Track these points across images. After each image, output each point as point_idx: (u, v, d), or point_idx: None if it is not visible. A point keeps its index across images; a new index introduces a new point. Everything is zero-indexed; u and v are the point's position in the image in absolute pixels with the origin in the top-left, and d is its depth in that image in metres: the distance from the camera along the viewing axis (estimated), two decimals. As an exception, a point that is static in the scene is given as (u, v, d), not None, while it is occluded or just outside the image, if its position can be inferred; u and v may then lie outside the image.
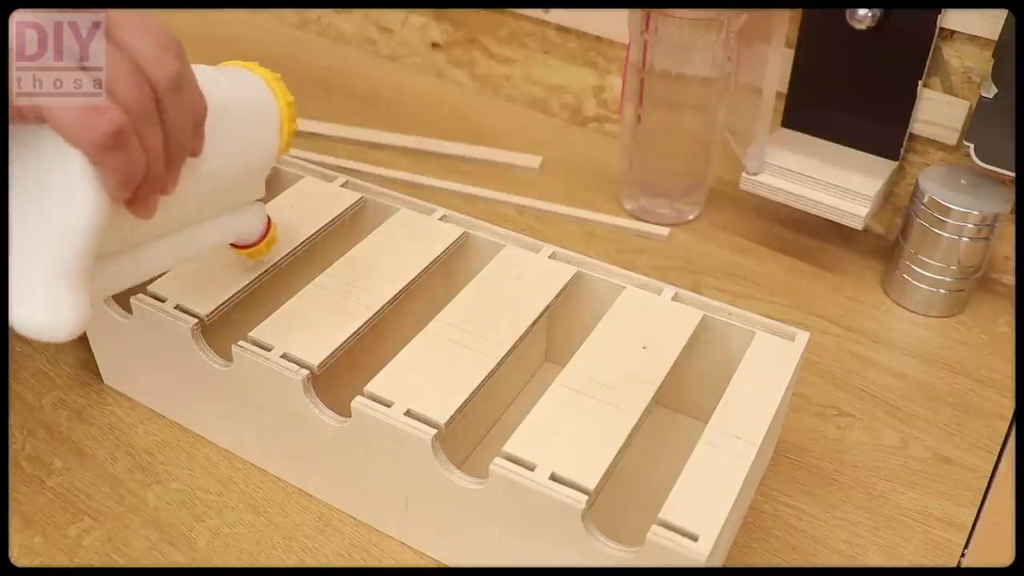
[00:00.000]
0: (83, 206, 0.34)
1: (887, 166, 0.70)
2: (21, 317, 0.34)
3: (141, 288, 0.51)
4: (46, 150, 0.34)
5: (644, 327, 0.51)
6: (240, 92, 0.45)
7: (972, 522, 0.53)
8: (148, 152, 0.35)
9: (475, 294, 0.52)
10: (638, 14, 0.67)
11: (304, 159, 0.67)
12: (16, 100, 0.32)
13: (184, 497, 0.52)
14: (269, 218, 0.51)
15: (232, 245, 0.51)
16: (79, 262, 0.35)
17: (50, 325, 0.35)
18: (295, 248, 0.55)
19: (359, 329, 0.50)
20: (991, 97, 0.61)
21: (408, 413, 0.45)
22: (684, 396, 0.56)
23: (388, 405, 0.45)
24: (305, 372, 0.47)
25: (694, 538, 0.39)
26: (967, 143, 0.63)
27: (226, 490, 0.53)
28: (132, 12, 0.35)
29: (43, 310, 0.34)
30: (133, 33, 0.35)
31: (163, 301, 0.51)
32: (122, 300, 0.53)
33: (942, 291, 0.66)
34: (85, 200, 0.34)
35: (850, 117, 0.70)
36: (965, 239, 0.63)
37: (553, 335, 0.59)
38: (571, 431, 0.44)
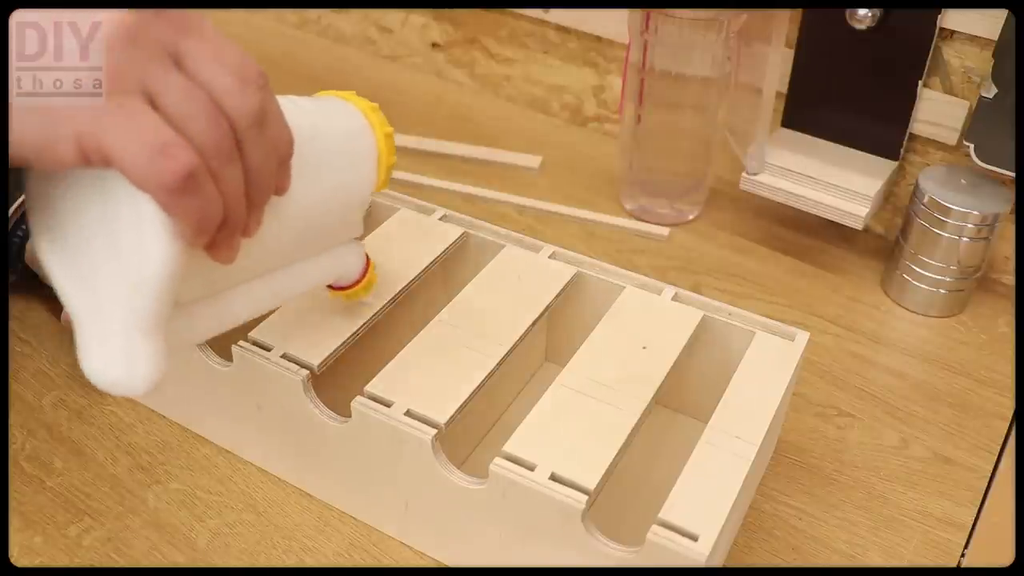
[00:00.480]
0: (156, 254, 0.32)
1: (887, 166, 0.70)
2: (95, 369, 0.33)
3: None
4: (116, 193, 0.32)
5: (644, 327, 0.51)
6: (333, 124, 0.42)
7: (972, 522, 0.53)
8: (226, 193, 0.32)
9: (475, 294, 0.52)
10: (638, 14, 0.67)
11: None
12: (81, 140, 0.29)
13: (184, 497, 0.52)
14: (368, 257, 0.48)
15: (328, 287, 0.48)
16: (154, 312, 0.33)
17: (125, 378, 0.33)
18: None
19: (359, 329, 0.50)
20: (991, 97, 0.61)
21: (408, 413, 0.45)
22: (684, 396, 0.56)
23: (388, 405, 0.45)
24: (305, 372, 0.47)
25: (694, 538, 0.39)
26: (967, 143, 0.63)
27: (226, 490, 0.53)
28: (208, 40, 0.32)
29: (118, 363, 0.32)
30: (209, 64, 0.32)
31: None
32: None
33: (942, 291, 0.66)
34: (158, 247, 0.32)
35: (850, 117, 0.70)
36: (965, 239, 0.63)
37: (553, 335, 0.59)
38: (571, 431, 0.44)
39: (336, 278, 0.47)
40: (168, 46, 0.31)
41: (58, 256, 0.34)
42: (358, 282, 0.48)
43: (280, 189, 0.36)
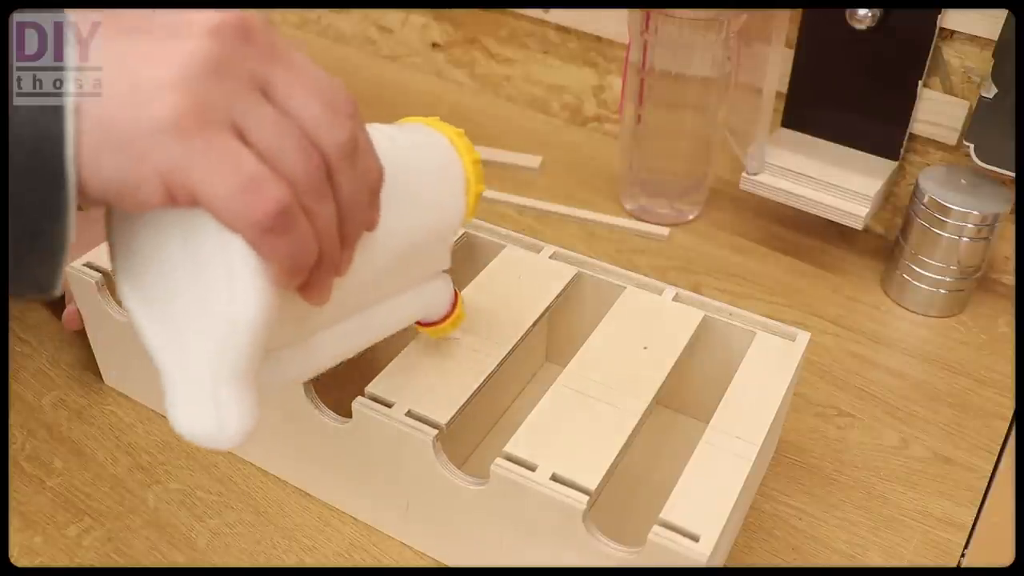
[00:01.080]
0: (247, 299, 0.30)
1: (887, 166, 0.70)
2: (183, 423, 0.30)
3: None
4: (204, 233, 0.29)
5: (645, 327, 0.51)
6: (420, 152, 0.40)
7: (972, 522, 0.53)
8: (320, 230, 0.30)
9: (476, 294, 0.52)
10: (638, 14, 0.67)
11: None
12: (166, 178, 0.27)
13: (184, 497, 0.52)
14: (456, 291, 0.46)
15: (416, 323, 0.46)
16: (244, 362, 0.30)
17: (214, 432, 0.30)
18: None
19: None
20: (991, 97, 0.61)
21: (409, 414, 0.45)
22: (685, 396, 0.56)
23: (389, 406, 0.45)
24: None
25: (695, 538, 0.39)
26: (967, 143, 0.63)
27: (226, 490, 0.53)
28: (297, 68, 0.30)
29: (207, 417, 0.30)
30: (299, 94, 0.30)
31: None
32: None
33: (942, 291, 0.66)
34: (249, 292, 0.30)
35: (850, 117, 0.70)
36: (965, 239, 0.63)
37: (554, 335, 0.59)
38: (572, 431, 0.44)
39: (425, 314, 0.45)
40: (256, 76, 0.29)
41: (141, 301, 0.31)
42: (446, 317, 0.46)
43: (371, 224, 0.34)
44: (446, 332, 0.47)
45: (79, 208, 0.27)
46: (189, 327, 0.31)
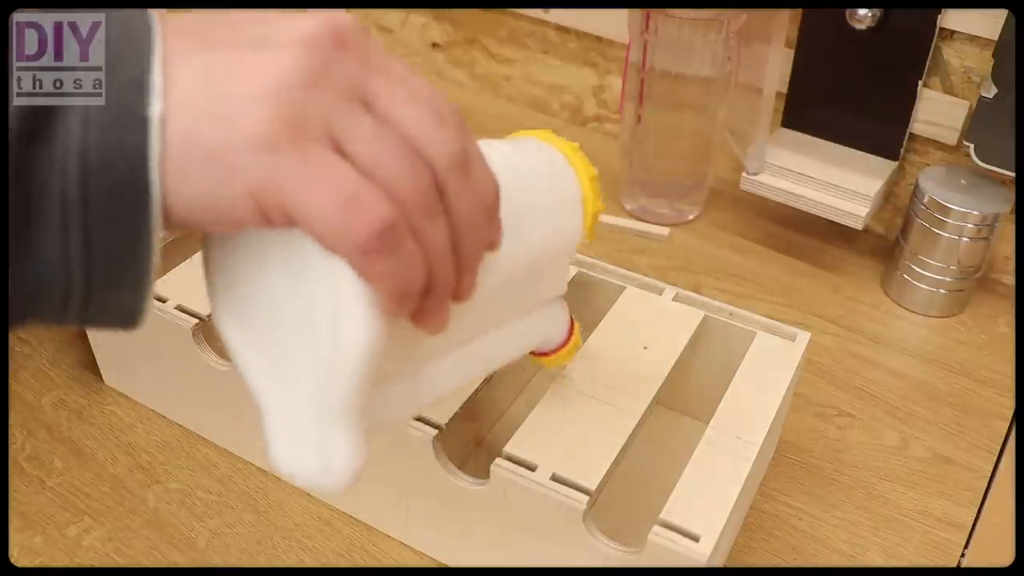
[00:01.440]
0: (353, 328, 0.27)
1: (887, 166, 0.70)
2: (285, 464, 0.28)
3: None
4: (305, 257, 0.27)
5: (645, 327, 0.51)
6: (535, 168, 0.37)
7: (972, 522, 0.53)
8: (430, 251, 0.27)
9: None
10: (638, 14, 0.67)
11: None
12: (260, 197, 0.25)
13: (184, 497, 0.52)
14: (572, 317, 0.43)
15: (531, 353, 0.43)
16: (351, 398, 0.28)
17: (319, 472, 0.28)
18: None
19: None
20: (991, 97, 0.61)
21: (409, 413, 0.45)
22: (685, 396, 0.56)
23: (389, 405, 0.45)
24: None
25: (695, 539, 0.39)
26: (967, 143, 0.63)
27: (226, 490, 0.53)
28: (397, 77, 0.28)
29: (311, 457, 0.28)
30: (401, 102, 0.27)
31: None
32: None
33: (942, 291, 0.66)
34: (356, 320, 0.27)
35: (850, 117, 0.70)
36: (965, 239, 0.63)
37: (553, 335, 0.59)
38: (572, 432, 0.44)
39: (541, 343, 0.42)
40: (354, 86, 0.27)
41: (239, 328, 0.29)
42: (562, 345, 0.43)
43: (492, 244, 0.31)
44: (562, 362, 0.44)
45: (165, 231, 0.26)
46: (292, 358, 0.28)
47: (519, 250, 0.35)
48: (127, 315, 0.26)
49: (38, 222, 0.24)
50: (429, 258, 0.27)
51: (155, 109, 0.24)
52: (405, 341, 0.30)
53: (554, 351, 0.43)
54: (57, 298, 0.25)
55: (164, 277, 0.52)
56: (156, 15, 0.26)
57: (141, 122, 0.24)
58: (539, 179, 0.37)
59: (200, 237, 0.30)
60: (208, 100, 0.25)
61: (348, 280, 0.26)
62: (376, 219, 0.25)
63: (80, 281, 0.25)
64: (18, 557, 0.48)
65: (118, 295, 0.26)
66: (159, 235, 0.25)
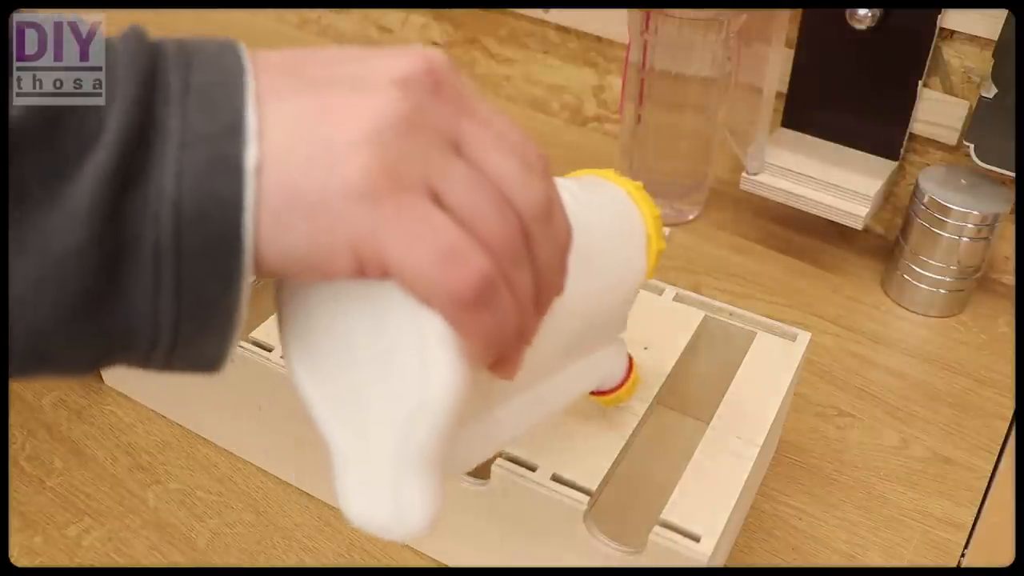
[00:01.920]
0: (441, 379, 0.26)
1: (887, 166, 0.70)
2: (359, 513, 0.27)
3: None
4: (391, 306, 0.26)
5: (645, 327, 0.51)
6: (603, 208, 0.37)
7: (972, 522, 0.53)
8: (518, 300, 0.27)
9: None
10: (638, 14, 0.67)
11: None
12: (358, 248, 0.24)
13: (184, 497, 0.52)
14: (630, 355, 0.43)
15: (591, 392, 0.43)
16: (432, 448, 0.27)
17: (391, 523, 0.27)
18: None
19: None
20: (991, 97, 0.61)
21: (409, 413, 0.45)
22: (686, 396, 0.56)
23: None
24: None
25: (696, 539, 0.39)
26: (967, 143, 0.63)
27: (226, 490, 0.53)
28: (487, 121, 0.28)
29: (384, 505, 0.27)
30: (492, 148, 0.27)
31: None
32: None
33: (942, 291, 0.66)
34: (444, 373, 0.26)
35: (850, 117, 0.70)
36: (965, 239, 0.63)
37: (553, 335, 0.59)
38: (572, 432, 0.44)
39: (601, 382, 0.42)
40: (448, 131, 0.26)
41: (312, 374, 0.28)
42: (621, 384, 0.43)
43: (560, 288, 0.30)
44: (621, 400, 0.43)
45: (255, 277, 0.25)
46: (370, 406, 0.27)
47: (586, 291, 0.34)
48: (210, 361, 0.26)
49: (129, 271, 0.23)
50: (518, 307, 0.27)
51: (251, 157, 0.23)
52: (480, 388, 0.29)
53: (613, 390, 0.43)
54: (143, 346, 0.24)
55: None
56: (247, 51, 0.25)
57: (237, 171, 0.23)
58: (607, 220, 0.37)
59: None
60: (305, 146, 0.24)
61: (437, 328, 0.26)
62: (475, 273, 0.25)
63: (168, 331, 0.24)
64: (18, 557, 0.48)
65: (204, 343, 0.25)
66: (250, 284, 0.24)
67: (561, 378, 0.38)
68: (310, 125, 0.24)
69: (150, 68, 0.24)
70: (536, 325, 0.29)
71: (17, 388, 0.58)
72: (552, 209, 0.28)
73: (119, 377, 0.58)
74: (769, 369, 0.49)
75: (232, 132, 0.23)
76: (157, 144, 0.23)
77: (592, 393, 0.43)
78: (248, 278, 0.24)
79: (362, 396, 0.27)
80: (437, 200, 0.25)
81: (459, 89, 0.27)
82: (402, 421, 0.27)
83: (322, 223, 0.24)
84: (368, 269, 0.25)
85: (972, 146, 0.63)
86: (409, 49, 0.27)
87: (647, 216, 0.39)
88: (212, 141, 0.23)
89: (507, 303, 0.26)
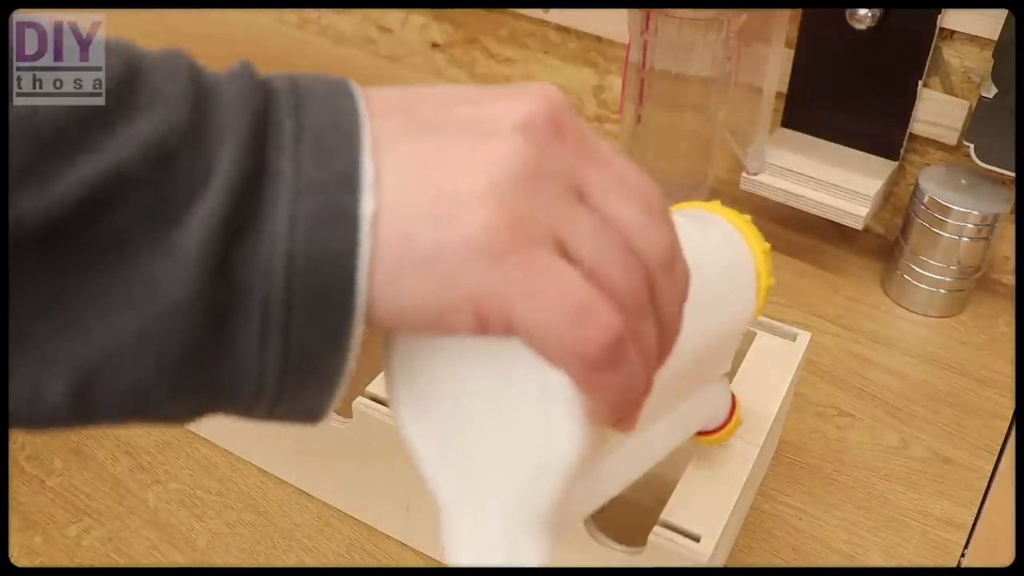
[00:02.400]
0: (566, 442, 0.25)
1: (887, 166, 0.70)
2: (468, 561, 0.26)
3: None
4: (511, 363, 0.25)
5: (645, 327, 0.51)
6: (715, 247, 0.36)
7: (972, 522, 0.53)
8: (644, 355, 0.25)
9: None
10: (638, 14, 0.67)
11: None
12: (480, 305, 0.23)
13: (184, 497, 0.52)
14: (733, 394, 0.42)
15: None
16: (550, 508, 0.26)
17: None
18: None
19: None
20: (991, 97, 0.61)
21: (409, 413, 0.45)
22: (684, 396, 0.56)
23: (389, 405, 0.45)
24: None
25: (696, 539, 0.39)
26: (967, 143, 0.63)
27: (226, 490, 0.53)
28: (609, 165, 0.26)
29: (497, 558, 0.26)
30: (615, 195, 0.25)
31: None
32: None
33: (942, 291, 0.66)
34: (569, 434, 0.25)
35: (850, 117, 0.70)
36: (965, 239, 0.63)
37: (553, 335, 0.59)
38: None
39: (705, 423, 0.41)
40: (571, 177, 0.24)
41: (424, 430, 0.28)
42: (724, 424, 0.41)
43: (677, 334, 0.28)
44: (723, 440, 0.42)
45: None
46: (485, 464, 0.26)
47: (699, 333, 0.33)
48: (313, 413, 0.25)
49: (237, 325, 0.22)
50: (643, 362, 0.25)
51: (367, 207, 0.22)
52: (599, 443, 0.28)
53: (716, 430, 0.42)
54: (246, 399, 0.23)
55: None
56: (359, 90, 0.24)
57: (352, 222, 0.22)
58: (719, 258, 0.36)
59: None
60: (424, 197, 0.22)
61: (564, 388, 0.25)
62: (606, 332, 0.23)
63: (273, 386, 0.23)
64: (18, 557, 0.48)
65: (308, 396, 0.24)
66: (359, 340, 0.23)
67: (668, 422, 0.36)
68: (428, 174, 0.23)
69: (262, 109, 0.23)
70: (655, 376, 0.27)
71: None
72: (675, 255, 0.26)
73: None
74: (769, 369, 0.49)
75: (347, 181, 0.22)
76: (269, 191, 0.22)
77: (698, 434, 0.41)
78: (359, 335, 0.23)
79: (476, 453, 0.27)
80: (564, 252, 0.23)
81: (581, 132, 0.25)
82: (522, 481, 0.26)
83: (441, 279, 0.22)
84: (491, 327, 0.23)
85: (972, 146, 0.63)
86: (528, 89, 0.25)
87: (757, 252, 0.37)
88: (326, 190, 0.22)
89: (636, 361, 0.25)
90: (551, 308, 0.23)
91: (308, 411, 0.24)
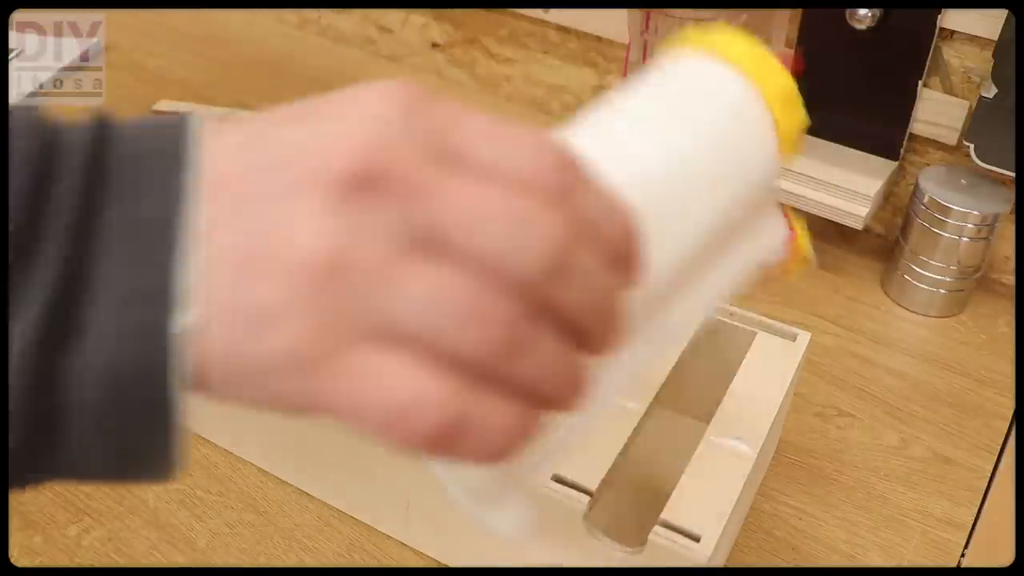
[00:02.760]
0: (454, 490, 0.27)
1: (887, 166, 0.70)
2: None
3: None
4: None
5: (645, 327, 0.51)
6: (698, 119, 0.29)
7: (972, 522, 0.53)
8: (540, 371, 0.22)
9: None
10: (638, 14, 0.67)
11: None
12: (305, 411, 0.23)
13: (184, 497, 0.52)
14: (790, 220, 0.35)
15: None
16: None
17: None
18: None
19: None
20: (991, 97, 0.61)
21: (409, 413, 0.45)
22: (686, 396, 0.56)
23: (389, 405, 0.45)
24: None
25: (696, 539, 0.39)
26: (967, 143, 0.63)
27: (226, 490, 0.53)
28: (477, 156, 0.23)
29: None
30: (477, 216, 0.21)
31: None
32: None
33: (942, 291, 0.66)
34: (451, 484, 0.27)
35: (850, 117, 0.70)
36: (965, 239, 0.63)
37: (553, 335, 0.59)
38: (572, 431, 0.44)
39: (761, 262, 0.34)
40: (404, 232, 0.21)
41: None
42: (789, 253, 0.35)
43: (632, 280, 0.25)
44: (792, 272, 0.36)
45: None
46: None
47: (702, 224, 0.29)
48: (158, 477, 0.24)
49: (56, 437, 0.22)
50: (539, 378, 0.23)
51: (182, 322, 0.21)
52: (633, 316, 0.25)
53: (782, 263, 0.35)
54: (90, 479, 0.24)
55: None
56: (196, 159, 0.22)
57: (165, 339, 0.21)
58: (706, 133, 0.29)
59: None
60: (236, 306, 0.21)
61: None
62: (432, 423, 0.21)
63: (112, 475, 0.24)
64: (18, 557, 0.48)
65: (147, 472, 0.24)
66: (185, 428, 0.23)
67: (713, 274, 0.32)
68: (241, 280, 0.21)
69: (86, 205, 0.21)
70: (601, 342, 0.24)
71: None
72: (578, 239, 0.22)
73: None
74: (769, 369, 0.48)
75: (163, 292, 0.21)
76: (85, 304, 0.21)
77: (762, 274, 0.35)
78: (183, 427, 0.23)
79: None
80: (389, 337, 0.21)
81: (418, 173, 0.22)
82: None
83: (259, 391, 0.22)
84: (321, 418, 0.23)
85: (972, 146, 0.63)
86: (363, 106, 0.22)
87: (771, 95, 0.30)
88: (143, 303, 0.21)
89: (491, 420, 0.22)
90: (370, 411, 0.22)
91: (155, 475, 0.24)
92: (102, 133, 0.22)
